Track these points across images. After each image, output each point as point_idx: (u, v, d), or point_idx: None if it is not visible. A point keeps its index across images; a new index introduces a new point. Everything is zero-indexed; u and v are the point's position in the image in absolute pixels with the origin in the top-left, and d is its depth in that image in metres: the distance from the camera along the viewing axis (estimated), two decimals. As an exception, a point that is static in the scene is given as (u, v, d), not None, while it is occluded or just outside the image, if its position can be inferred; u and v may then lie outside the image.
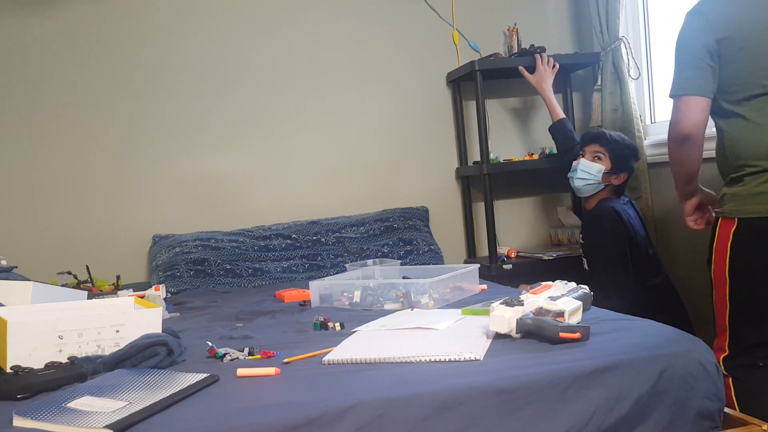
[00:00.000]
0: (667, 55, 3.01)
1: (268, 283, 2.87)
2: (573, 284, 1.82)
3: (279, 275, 2.91)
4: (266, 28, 3.20)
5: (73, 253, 2.98)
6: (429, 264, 3.02)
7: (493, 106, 3.41)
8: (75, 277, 2.74)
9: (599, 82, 3.16)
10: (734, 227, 1.91)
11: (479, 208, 3.34)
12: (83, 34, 3.03)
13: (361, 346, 1.60)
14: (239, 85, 3.17)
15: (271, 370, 1.45)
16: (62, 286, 2.31)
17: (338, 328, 1.85)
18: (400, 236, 3.11)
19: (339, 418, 1.22)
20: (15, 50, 2.97)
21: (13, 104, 2.98)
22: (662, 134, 2.93)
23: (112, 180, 3.06)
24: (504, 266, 3.03)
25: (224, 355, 1.60)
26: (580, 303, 1.69)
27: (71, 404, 1.25)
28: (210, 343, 1.68)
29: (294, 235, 3.05)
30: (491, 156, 3.14)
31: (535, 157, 3.22)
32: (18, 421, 1.21)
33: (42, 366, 1.46)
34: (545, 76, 3.03)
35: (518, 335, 1.56)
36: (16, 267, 2.33)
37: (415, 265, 2.97)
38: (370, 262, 2.68)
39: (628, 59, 3.03)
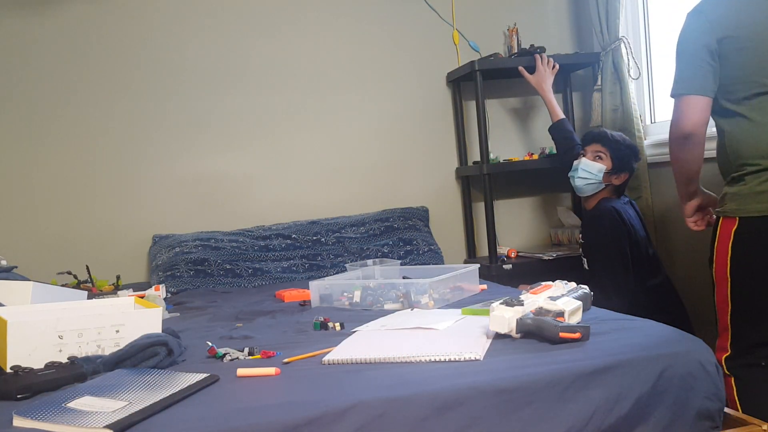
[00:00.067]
0: (667, 55, 3.02)
1: (268, 283, 2.87)
2: (573, 284, 1.82)
3: (279, 275, 2.91)
4: (266, 28, 3.20)
5: (73, 253, 2.98)
6: (429, 264, 3.01)
7: (493, 106, 3.41)
8: (75, 277, 2.74)
9: (599, 82, 3.16)
10: (735, 226, 1.91)
11: (479, 208, 3.34)
12: (83, 34, 3.03)
13: (361, 346, 1.60)
14: (239, 85, 3.17)
15: (271, 370, 1.45)
16: (62, 286, 2.31)
17: (338, 328, 1.85)
18: (400, 236, 3.11)
19: (339, 418, 1.22)
20: (15, 50, 2.98)
21: (13, 104, 2.98)
22: (662, 134, 2.93)
23: (112, 180, 3.06)
24: (504, 266, 3.03)
25: (224, 355, 1.60)
26: (580, 303, 1.69)
27: (71, 404, 1.25)
28: (210, 343, 1.69)
29: (294, 235, 3.05)
30: (491, 156, 3.14)
31: (535, 157, 3.22)
32: (18, 421, 1.21)
33: (42, 366, 1.46)
34: (545, 77, 3.03)
35: (518, 335, 1.56)
36: (16, 267, 2.33)
37: (415, 265, 2.97)
38: (370, 262, 2.68)
39: (628, 59, 3.03)
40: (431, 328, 1.70)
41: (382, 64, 3.31)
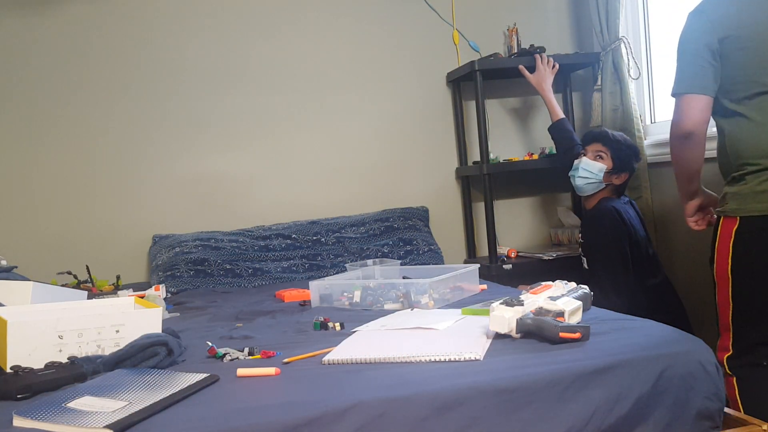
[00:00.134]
0: (667, 55, 3.02)
1: (268, 283, 2.87)
2: (573, 284, 1.82)
3: (279, 275, 2.91)
4: (266, 28, 3.20)
5: (73, 253, 2.98)
6: (429, 264, 3.01)
7: (493, 106, 3.41)
8: (75, 277, 2.74)
9: (599, 82, 3.16)
10: (736, 226, 1.91)
11: (479, 208, 3.34)
12: (83, 34, 3.03)
13: (361, 346, 1.60)
14: (239, 85, 3.17)
15: (271, 370, 1.45)
16: (62, 286, 2.31)
17: (338, 328, 1.85)
18: (400, 236, 3.11)
19: (339, 418, 1.22)
20: (15, 50, 2.98)
21: (13, 104, 2.98)
22: (662, 134, 2.93)
23: (112, 180, 3.06)
24: (504, 266, 3.03)
25: (224, 355, 1.60)
26: (580, 303, 1.69)
27: (71, 404, 1.25)
28: (210, 343, 1.69)
29: (294, 235, 3.05)
30: (491, 156, 3.14)
31: (535, 157, 3.22)
32: (18, 421, 1.21)
33: (42, 366, 1.46)
34: (545, 76, 3.03)
35: (518, 335, 1.56)
36: (16, 267, 2.33)
37: (415, 265, 2.97)
38: (370, 262, 2.68)
39: (628, 59, 3.03)
40: (431, 328, 1.70)
41: (382, 64, 3.31)
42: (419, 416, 1.25)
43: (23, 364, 1.45)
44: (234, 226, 3.13)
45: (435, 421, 1.26)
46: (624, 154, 2.65)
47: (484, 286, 2.37)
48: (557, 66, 3.07)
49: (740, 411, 1.87)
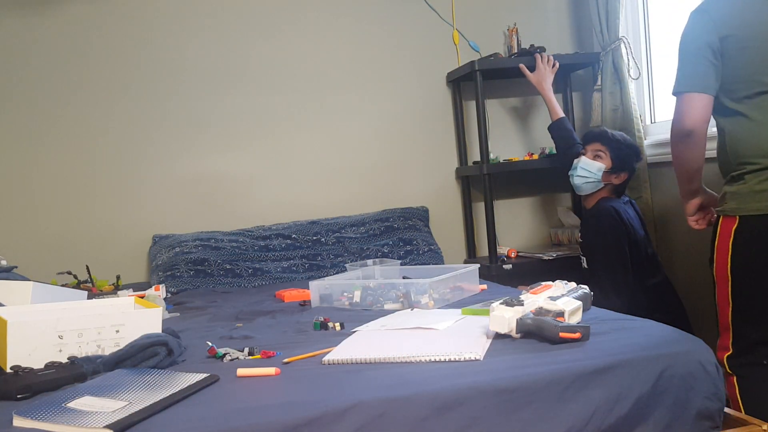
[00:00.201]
0: (667, 55, 3.02)
1: (268, 283, 2.87)
2: (573, 284, 1.82)
3: (279, 275, 2.91)
4: (266, 28, 3.20)
5: (73, 253, 2.98)
6: (429, 264, 3.01)
7: (493, 106, 3.41)
8: (75, 277, 2.74)
9: (599, 82, 3.16)
10: (736, 225, 1.91)
11: (479, 208, 3.34)
12: (83, 34, 3.03)
13: (361, 346, 1.60)
14: (239, 85, 3.17)
15: (271, 370, 1.45)
16: (62, 286, 2.31)
17: (338, 328, 1.85)
18: (400, 236, 3.11)
19: (339, 418, 1.22)
20: (15, 50, 2.97)
21: (13, 104, 2.98)
22: (662, 134, 2.93)
23: (112, 180, 3.06)
24: (504, 266, 3.03)
25: (224, 355, 1.60)
26: (580, 303, 1.69)
27: (71, 404, 1.25)
28: (210, 343, 1.69)
29: (294, 235, 3.05)
30: (491, 156, 3.13)
31: (535, 157, 3.22)
32: (18, 421, 1.21)
33: (42, 366, 1.46)
34: (545, 75, 3.03)
35: (518, 335, 1.57)
36: (16, 267, 2.33)
37: (415, 265, 2.97)
38: (370, 262, 2.68)
39: (628, 59, 3.03)
40: (431, 328, 1.70)
41: (382, 64, 3.31)
42: (419, 416, 1.25)
43: (23, 364, 1.45)
44: (234, 226, 3.13)
45: (435, 421, 1.26)
46: (623, 153, 2.66)
47: (484, 286, 2.37)
48: (557, 65, 3.07)
49: (741, 410, 1.87)
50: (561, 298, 1.66)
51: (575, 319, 1.65)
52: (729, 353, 1.97)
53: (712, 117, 1.99)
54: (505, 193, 3.43)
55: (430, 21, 3.35)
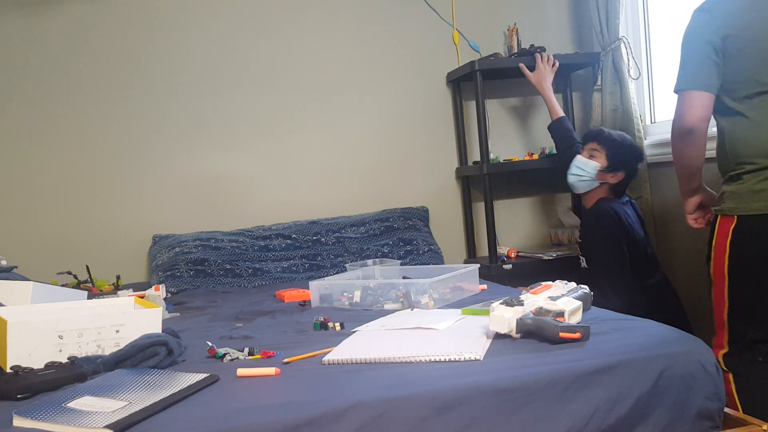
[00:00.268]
0: (667, 55, 3.02)
1: (268, 283, 2.87)
2: (573, 284, 1.82)
3: (279, 275, 2.91)
4: (266, 28, 3.20)
5: (73, 253, 2.98)
6: (429, 264, 3.01)
7: (493, 106, 3.41)
8: (75, 277, 2.74)
9: (599, 82, 3.16)
10: (733, 225, 1.92)
11: (479, 208, 3.34)
12: (83, 34, 3.03)
13: (361, 346, 1.60)
14: (239, 85, 3.17)
15: (271, 370, 1.45)
16: (62, 286, 2.31)
17: (338, 328, 1.85)
18: (400, 236, 3.11)
19: (339, 418, 1.22)
20: (15, 50, 2.98)
21: (13, 104, 2.98)
22: (662, 134, 2.93)
23: (112, 180, 3.06)
24: (504, 266, 3.03)
25: (224, 355, 1.60)
26: (580, 303, 1.69)
27: (71, 404, 1.25)
28: (210, 343, 1.69)
29: (294, 235, 3.05)
30: (491, 156, 3.14)
31: (535, 157, 3.22)
32: (18, 421, 1.21)
33: (42, 366, 1.46)
34: (545, 74, 3.03)
35: (518, 335, 1.56)
36: (16, 267, 2.33)
37: (415, 265, 2.97)
38: (370, 262, 2.68)
39: (628, 59, 3.03)
40: (431, 328, 1.70)
41: (382, 64, 3.31)
42: (419, 416, 1.25)
43: (23, 364, 1.45)
44: (234, 226, 3.13)
45: (435, 421, 1.26)
46: (619, 152, 2.65)
47: (484, 286, 2.37)
48: (557, 64, 3.07)
49: (738, 407, 1.88)
50: (561, 298, 1.66)
51: (575, 319, 1.65)
52: (725, 351, 1.97)
53: (712, 116, 1.99)
54: (505, 193, 3.43)
55: (430, 21, 3.35)
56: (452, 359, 1.44)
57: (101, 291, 2.61)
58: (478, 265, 2.38)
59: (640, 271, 2.55)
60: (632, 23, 3.15)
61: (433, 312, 1.95)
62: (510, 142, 3.44)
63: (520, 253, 3.24)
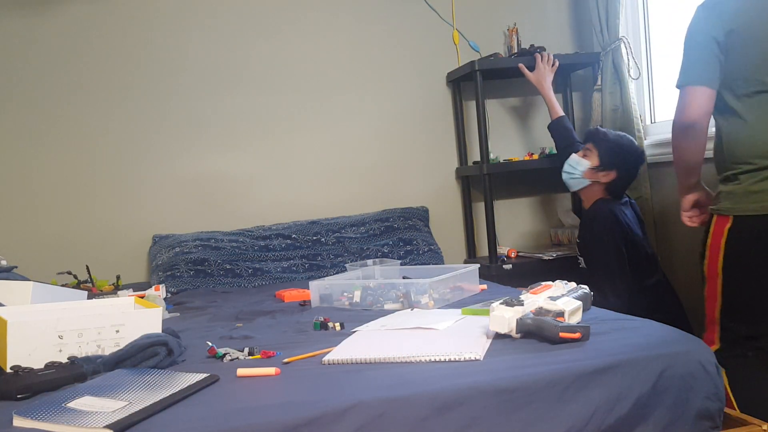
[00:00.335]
0: (667, 55, 3.02)
1: (268, 283, 2.87)
2: (573, 284, 1.82)
3: (279, 275, 2.91)
4: (266, 28, 3.20)
5: (73, 253, 2.98)
6: (429, 264, 3.01)
7: (493, 106, 3.41)
8: (75, 277, 2.74)
9: (599, 82, 3.16)
10: (729, 225, 1.93)
11: (479, 208, 3.34)
12: (83, 34, 3.03)
13: (361, 346, 1.60)
14: (239, 85, 3.17)
15: (271, 370, 1.45)
16: (62, 286, 2.31)
17: (338, 328, 1.85)
18: (400, 236, 3.11)
19: (339, 418, 1.22)
20: (15, 50, 2.98)
21: (13, 104, 2.98)
22: (662, 134, 2.93)
23: (112, 180, 3.06)
24: (504, 266, 3.03)
25: (224, 355, 1.60)
26: (580, 303, 1.69)
27: (71, 404, 1.25)
28: (210, 343, 1.69)
29: (294, 235, 3.05)
30: (491, 156, 3.14)
31: (535, 157, 3.22)
32: (18, 421, 1.21)
33: (42, 366, 1.46)
34: (545, 74, 3.03)
35: (518, 335, 1.56)
36: (16, 267, 2.33)
37: (415, 265, 2.97)
38: (370, 262, 2.68)
39: (628, 59, 3.03)
40: (431, 328, 1.70)
41: (382, 64, 3.31)
42: (419, 416, 1.25)
43: (23, 364, 1.45)
44: (234, 226, 3.13)
45: (435, 421, 1.26)
46: (611, 152, 2.63)
47: (484, 286, 2.37)
48: (557, 63, 3.07)
49: (732, 402, 1.88)
50: (561, 298, 1.66)
51: (575, 319, 1.65)
52: (716, 347, 1.99)
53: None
54: (505, 193, 3.43)
55: (430, 21, 3.35)
56: (452, 359, 1.44)
57: (101, 291, 2.61)
58: (478, 265, 2.38)
59: (639, 271, 2.55)
60: (632, 23, 3.15)
61: (433, 312, 1.95)
62: (510, 142, 3.44)
63: (520, 253, 3.24)
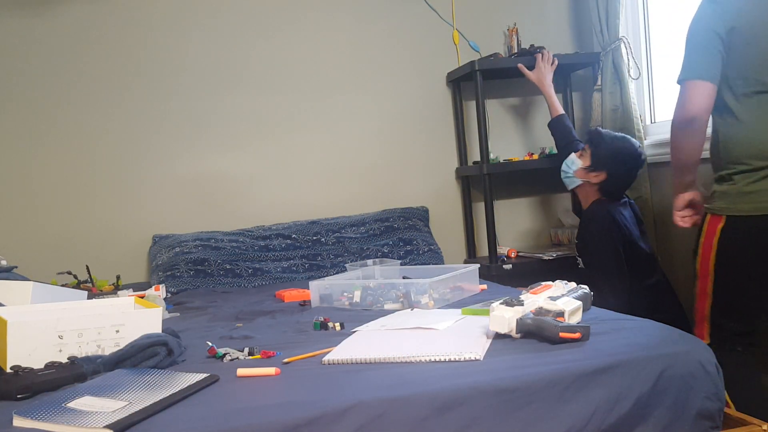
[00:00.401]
0: (667, 55, 3.02)
1: (268, 283, 2.87)
2: (573, 284, 1.82)
3: (279, 275, 2.91)
4: (266, 28, 3.20)
5: (73, 253, 2.98)
6: (429, 264, 3.01)
7: (493, 106, 3.41)
8: (75, 277, 2.74)
9: (599, 82, 3.16)
10: (722, 224, 1.94)
11: (479, 208, 3.34)
12: (83, 34, 3.03)
13: (361, 346, 1.60)
14: (239, 85, 3.17)
15: (271, 370, 1.45)
16: (62, 286, 2.31)
17: (338, 328, 1.85)
18: (400, 236, 3.11)
19: (339, 418, 1.22)
20: (15, 50, 2.97)
21: (13, 104, 2.98)
22: (662, 134, 2.93)
23: (112, 180, 3.06)
24: (504, 266, 3.03)
25: (224, 355, 1.60)
26: (580, 303, 1.69)
27: (71, 404, 1.25)
28: (210, 343, 1.69)
29: (294, 235, 3.05)
30: (491, 156, 3.14)
31: (535, 157, 3.22)
32: (18, 421, 1.21)
33: (42, 366, 1.46)
34: (545, 73, 3.03)
35: (518, 335, 1.57)
36: (16, 267, 2.33)
37: (415, 265, 2.97)
38: (370, 262, 2.68)
39: (628, 59, 3.03)
40: (431, 328, 1.70)
41: (382, 64, 3.31)
42: (419, 416, 1.25)
43: (23, 364, 1.45)
44: (234, 226, 3.13)
45: (435, 421, 1.26)
46: (603, 154, 2.61)
47: (484, 286, 2.37)
48: (556, 62, 3.07)
49: (727, 398, 1.89)
50: (561, 298, 1.66)
51: (575, 319, 1.65)
52: (706, 343, 1.99)
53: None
54: (505, 193, 3.43)
55: (430, 21, 3.35)
56: (452, 359, 1.44)
57: (101, 291, 2.61)
58: (478, 265, 2.38)
59: (638, 272, 2.55)
60: (632, 23, 3.15)
61: (433, 312, 1.95)
62: (510, 142, 3.44)
63: (520, 253, 3.24)
